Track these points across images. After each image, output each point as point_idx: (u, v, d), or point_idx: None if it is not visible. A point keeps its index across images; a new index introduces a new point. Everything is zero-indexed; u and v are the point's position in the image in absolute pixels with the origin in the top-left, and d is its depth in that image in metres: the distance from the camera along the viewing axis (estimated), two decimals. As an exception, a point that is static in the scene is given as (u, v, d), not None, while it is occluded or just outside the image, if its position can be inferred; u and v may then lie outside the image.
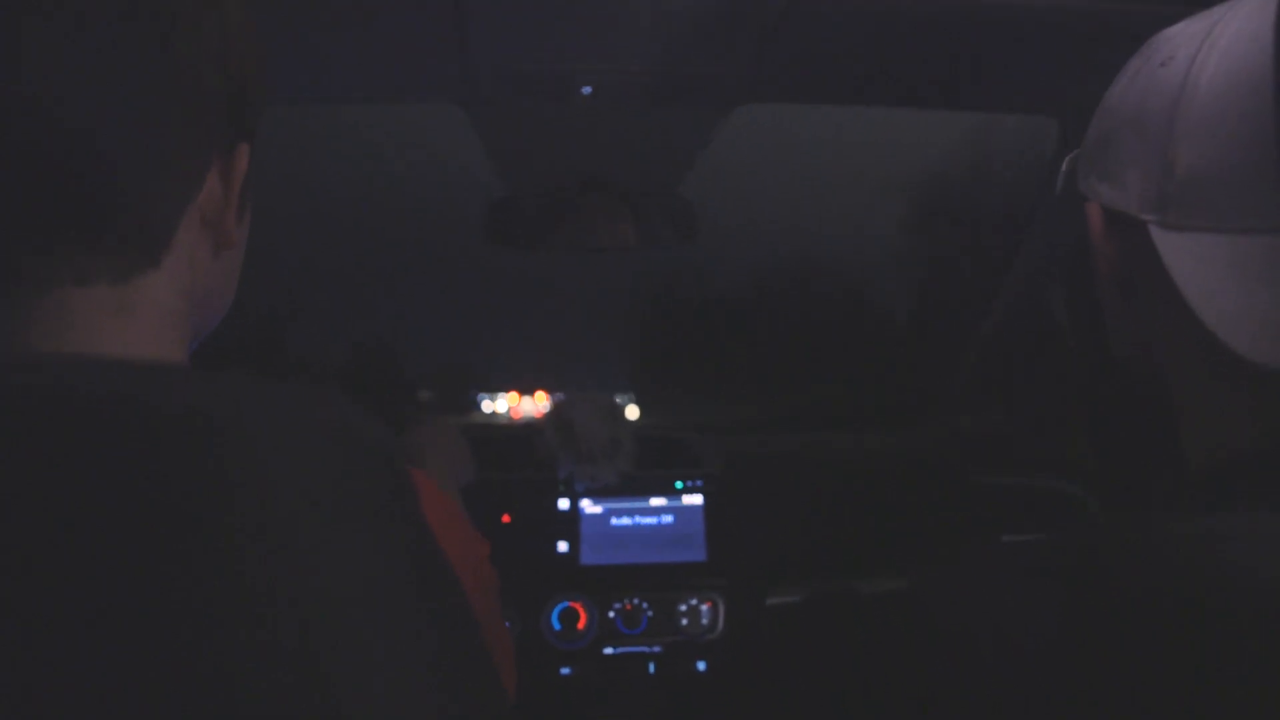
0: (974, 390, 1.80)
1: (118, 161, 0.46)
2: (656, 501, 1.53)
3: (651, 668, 1.47)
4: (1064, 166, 0.63)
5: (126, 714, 0.34)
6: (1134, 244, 0.53)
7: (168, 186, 0.49)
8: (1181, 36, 0.53)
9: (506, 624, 1.42)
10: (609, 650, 1.46)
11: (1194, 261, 0.48)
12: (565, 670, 1.45)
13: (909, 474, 1.63)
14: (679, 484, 1.55)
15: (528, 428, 1.74)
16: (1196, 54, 0.50)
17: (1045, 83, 1.18)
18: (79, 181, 0.45)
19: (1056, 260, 1.50)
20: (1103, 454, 1.46)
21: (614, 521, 1.52)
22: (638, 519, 1.53)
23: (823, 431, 1.90)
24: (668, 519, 1.53)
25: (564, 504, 1.53)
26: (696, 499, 1.54)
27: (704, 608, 1.47)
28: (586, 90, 1.12)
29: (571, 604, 1.45)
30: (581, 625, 1.45)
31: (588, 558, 1.50)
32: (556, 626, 1.45)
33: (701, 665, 1.47)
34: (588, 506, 1.53)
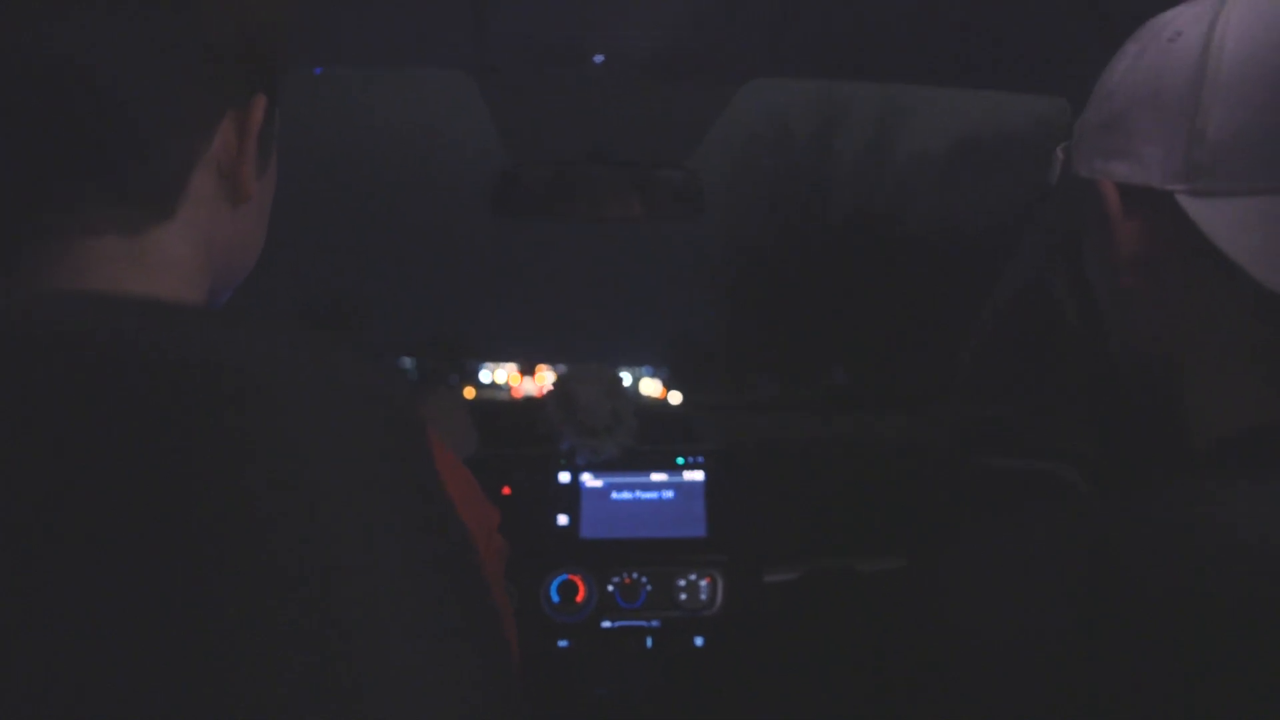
0: (975, 375, 1.80)
1: (126, 110, 0.45)
2: (657, 477, 1.54)
3: (649, 642, 1.47)
4: (1057, 154, 0.63)
5: (139, 682, 0.33)
6: (1156, 219, 0.54)
7: (178, 135, 0.48)
8: (1185, 15, 0.54)
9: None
10: (607, 624, 1.47)
11: (1231, 225, 0.49)
12: (563, 643, 1.46)
13: (909, 456, 1.63)
14: (680, 459, 1.55)
15: (529, 402, 1.74)
16: (1213, 26, 0.51)
17: (1058, 61, 1.17)
18: (87, 131, 0.45)
19: (1059, 245, 1.49)
20: (1103, 438, 1.47)
21: (614, 496, 1.53)
22: (638, 494, 1.53)
23: (829, 414, 1.90)
24: (668, 494, 1.53)
25: (565, 477, 1.53)
26: (698, 475, 1.54)
27: (703, 583, 1.48)
28: (599, 59, 1.12)
29: (570, 577, 1.46)
30: (580, 598, 1.45)
31: (587, 531, 1.50)
32: (555, 599, 1.45)
33: (699, 640, 1.48)
34: (588, 480, 1.53)
